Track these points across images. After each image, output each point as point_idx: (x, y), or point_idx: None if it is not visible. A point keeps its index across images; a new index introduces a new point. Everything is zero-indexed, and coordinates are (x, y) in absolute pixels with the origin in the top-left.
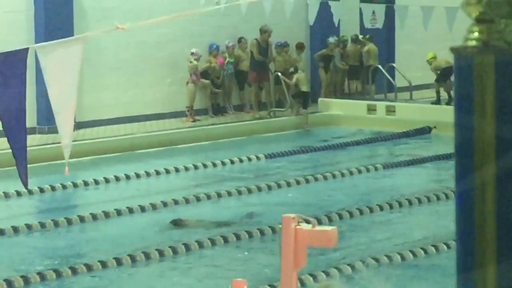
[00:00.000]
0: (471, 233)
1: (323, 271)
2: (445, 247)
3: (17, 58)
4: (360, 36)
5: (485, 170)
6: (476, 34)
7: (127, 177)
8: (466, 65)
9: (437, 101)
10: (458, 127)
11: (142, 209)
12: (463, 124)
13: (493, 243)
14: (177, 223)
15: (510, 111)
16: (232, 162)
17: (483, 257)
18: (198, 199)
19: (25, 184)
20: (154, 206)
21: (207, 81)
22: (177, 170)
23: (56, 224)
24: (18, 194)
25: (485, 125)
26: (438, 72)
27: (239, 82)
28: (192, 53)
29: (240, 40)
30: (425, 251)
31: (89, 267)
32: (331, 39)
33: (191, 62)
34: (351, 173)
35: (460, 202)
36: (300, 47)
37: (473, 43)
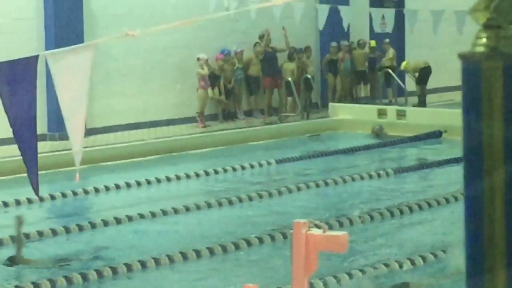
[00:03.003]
0: (480, 237)
1: (333, 276)
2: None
3: (28, 65)
4: (386, 40)
5: (494, 174)
6: (484, 40)
7: (138, 183)
8: (474, 71)
9: (422, 103)
10: (466, 131)
11: (153, 215)
12: (471, 129)
13: (502, 247)
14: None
15: None
16: (243, 167)
17: (492, 261)
18: (209, 205)
19: (36, 191)
20: (164, 212)
21: (215, 91)
22: (187, 176)
23: (67, 230)
24: (29, 201)
25: (493, 130)
26: (417, 74)
27: (249, 88)
28: (198, 59)
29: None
30: (435, 256)
31: (99, 273)
32: (334, 43)
33: (203, 68)
34: (361, 178)
35: (469, 206)
36: (307, 51)
37: (481, 49)
